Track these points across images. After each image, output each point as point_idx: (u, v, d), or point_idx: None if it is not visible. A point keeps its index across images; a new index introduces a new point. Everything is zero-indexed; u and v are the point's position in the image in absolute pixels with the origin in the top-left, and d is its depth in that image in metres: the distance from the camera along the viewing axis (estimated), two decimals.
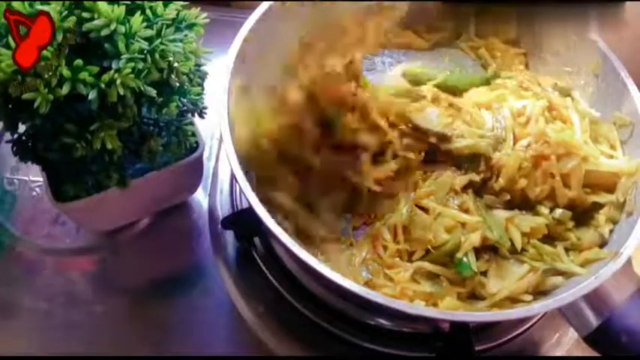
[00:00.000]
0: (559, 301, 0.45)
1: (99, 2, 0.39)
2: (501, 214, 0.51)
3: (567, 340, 0.58)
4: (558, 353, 0.58)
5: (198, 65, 0.48)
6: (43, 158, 0.47)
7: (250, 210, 0.47)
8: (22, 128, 0.46)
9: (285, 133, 0.52)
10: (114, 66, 0.40)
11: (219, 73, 0.52)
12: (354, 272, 0.51)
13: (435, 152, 0.56)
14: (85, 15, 0.39)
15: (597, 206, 0.53)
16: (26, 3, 0.39)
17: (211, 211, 0.64)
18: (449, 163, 0.56)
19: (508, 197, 0.52)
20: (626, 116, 0.56)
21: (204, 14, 0.46)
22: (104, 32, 0.39)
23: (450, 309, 0.46)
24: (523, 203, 0.52)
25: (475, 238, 0.49)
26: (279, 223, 0.45)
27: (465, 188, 0.54)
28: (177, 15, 0.44)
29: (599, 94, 0.59)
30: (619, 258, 0.46)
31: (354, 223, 0.56)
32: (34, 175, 0.66)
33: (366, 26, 0.54)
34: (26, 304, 0.59)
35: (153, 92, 0.42)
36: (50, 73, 0.38)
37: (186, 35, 0.45)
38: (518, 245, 0.50)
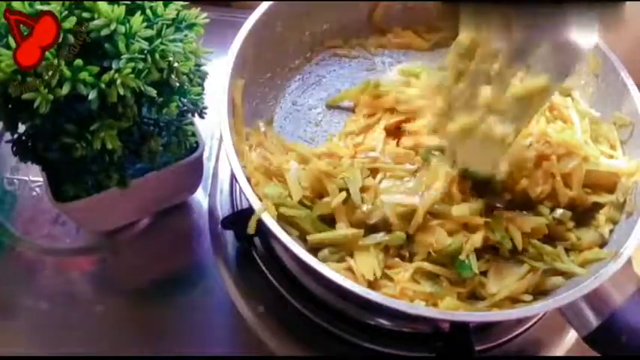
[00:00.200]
0: (559, 301, 0.45)
1: (99, 2, 0.39)
2: (502, 214, 0.51)
3: (567, 340, 0.58)
4: (558, 353, 0.58)
5: (198, 65, 0.48)
6: (43, 158, 0.47)
7: (250, 210, 0.47)
8: (22, 128, 0.46)
9: None
10: (114, 66, 0.40)
11: (219, 73, 0.52)
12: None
13: None
14: (85, 15, 0.39)
15: (597, 206, 0.53)
16: (26, 3, 0.39)
17: (211, 211, 0.64)
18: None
19: (509, 197, 0.52)
20: (626, 116, 0.56)
21: (204, 14, 0.46)
22: (104, 32, 0.39)
23: (450, 309, 0.46)
24: (524, 203, 0.52)
25: (477, 240, 0.48)
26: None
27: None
28: (178, 15, 0.44)
29: (599, 94, 0.59)
30: (619, 258, 0.46)
31: None
32: (34, 175, 0.66)
33: None
34: (26, 304, 0.59)
35: (153, 92, 0.42)
36: (50, 73, 0.38)
37: (186, 35, 0.45)
38: (519, 245, 0.49)
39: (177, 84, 0.45)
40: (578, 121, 0.57)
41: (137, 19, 0.41)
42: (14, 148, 0.48)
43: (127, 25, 0.40)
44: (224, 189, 0.65)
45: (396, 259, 0.50)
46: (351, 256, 0.49)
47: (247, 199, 0.47)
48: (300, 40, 0.64)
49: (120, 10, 0.40)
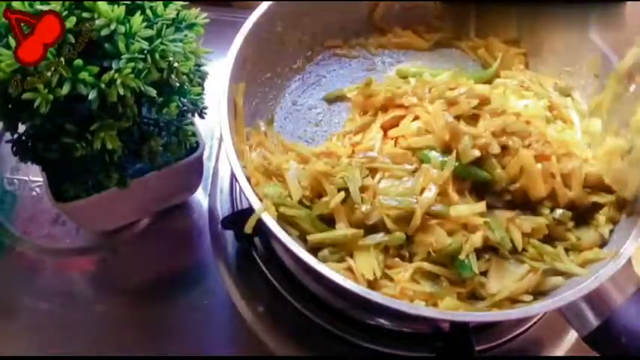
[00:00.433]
0: (559, 301, 0.45)
1: (99, 2, 0.39)
2: (502, 214, 0.51)
3: (567, 340, 0.58)
4: (558, 353, 0.58)
5: (198, 65, 0.48)
6: (43, 158, 0.47)
7: (250, 210, 0.47)
8: (22, 128, 0.46)
9: None
10: (114, 66, 0.40)
11: (219, 73, 0.52)
12: None
13: None
14: (85, 15, 0.39)
15: (597, 206, 0.53)
16: (26, 3, 0.39)
17: (211, 211, 0.64)
18: None
19: (509, 197, 0.52)
20: None
21: (204, 14, 0.46)
22: (104, 32, 0.39)
23: (450, 309, 0.46)
24: (524, 203, 0.52)
25: (477, 240, 0.48)
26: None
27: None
28: (177, 15, 0.44)
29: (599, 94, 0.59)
30: (619, 258, 0.46)
31: None
32: (34, 175, 0.66)
33: None
34: (26, 304, 0.59)
35: (153, 92, 0.42)
36: (53, 69, 0.38)
37: (186, 35, 0.44)
38: (519, 246, 0.50)
39: (177, 84, 0.45)
40: (578, 121, 0.57)
41: (137, 19, 0.41)
42: (14, 148, 0.48)
43: (127, 25, 0.40)
44: (224, 189, 0.65)
45: (396, 259, 0.50)
46: (351, 256, 0.49)
47: (247, 199, 0.47)
48: (300, 40, 0.64)
49: (120, 10, 0.40)
